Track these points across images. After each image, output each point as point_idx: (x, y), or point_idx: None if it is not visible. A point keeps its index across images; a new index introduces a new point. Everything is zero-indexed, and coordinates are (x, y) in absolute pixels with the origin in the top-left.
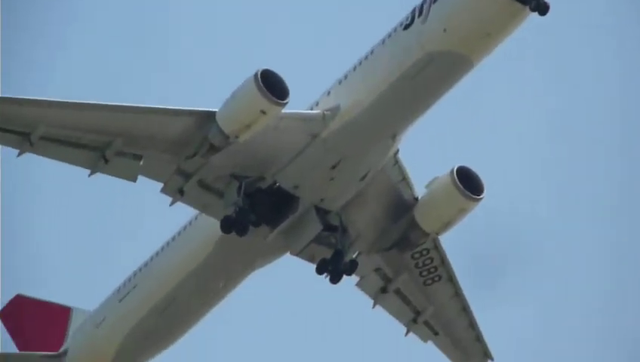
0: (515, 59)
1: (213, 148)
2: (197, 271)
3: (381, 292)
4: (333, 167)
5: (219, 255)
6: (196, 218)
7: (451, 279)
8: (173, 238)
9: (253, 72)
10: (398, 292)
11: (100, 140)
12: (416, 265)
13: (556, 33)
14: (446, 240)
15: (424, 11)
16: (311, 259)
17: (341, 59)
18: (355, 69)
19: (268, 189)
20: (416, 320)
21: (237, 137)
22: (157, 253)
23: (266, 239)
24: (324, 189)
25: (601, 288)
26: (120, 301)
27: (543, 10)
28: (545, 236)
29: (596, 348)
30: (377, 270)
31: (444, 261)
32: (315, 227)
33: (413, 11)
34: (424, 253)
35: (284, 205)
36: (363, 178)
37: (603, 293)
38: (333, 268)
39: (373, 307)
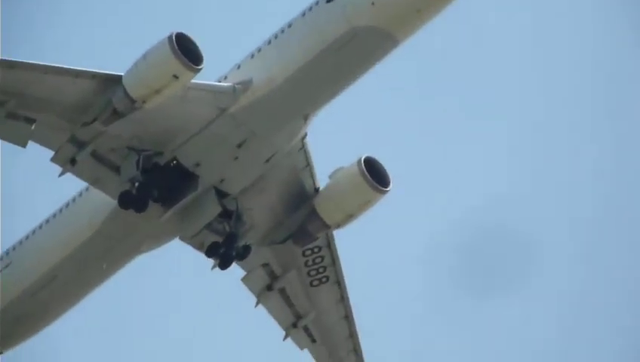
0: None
1: (116, 115)
2: (80, 249)
3: (266, 289)
4: (239, 146)
5: (105, 234)
6: (81, 194)
7: (339, 282)
8: (55, 215)
9: (167, 34)
10: (282, 291)
11: None
12: (306, 263)
13: None
14: (446, 239)
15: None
16: (200, 247)
17: (255, 32)
18: (269, 42)
19: (165, 166)
20: (296, 324)
21: (144, 102)
22: (36, 229)
23: (161, 218)
24: (226, 169)
25: (601, 288)
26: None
27: None
28: (544, 236)
29: (596, 347)
30: (265, 265)
31: (335, 261)
32: (213, 209)
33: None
34: (315, 250)
35: (182, 183)
36: (268, 160)
37: (602, 294)
38: (225, 251)
39: (256, 306)
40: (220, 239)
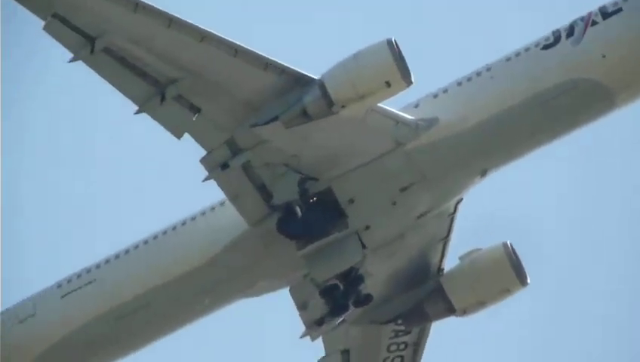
0: None
1: (304, 117)
2: (187, 276)
3: None
4: (403, 189)
5: (220, 264)
6: (204, 213)
7: None
8: (165, 232)
9: (384, 39)
10: None
11: (168, 73)
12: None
13: None
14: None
15: (576, 32)
16: (303, 306)
17: None
18: (460, 84)
19: (317, 195)
20: None
21: (343, 107)
22: (134, 246)
23: (299, 252)
24: (379, 214)
25: (601, 289)
26: (63, 296)
27: None
28: (544, 237)
29: (595, 348)
30: (344, 352)
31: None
32: (354, 256)
33: (557, 31)
34: (401, 346)
35: (329, 220)
36: (420, 216)
37: (602, 294)
38: (344, 293)
39: None
40: (323, 306)
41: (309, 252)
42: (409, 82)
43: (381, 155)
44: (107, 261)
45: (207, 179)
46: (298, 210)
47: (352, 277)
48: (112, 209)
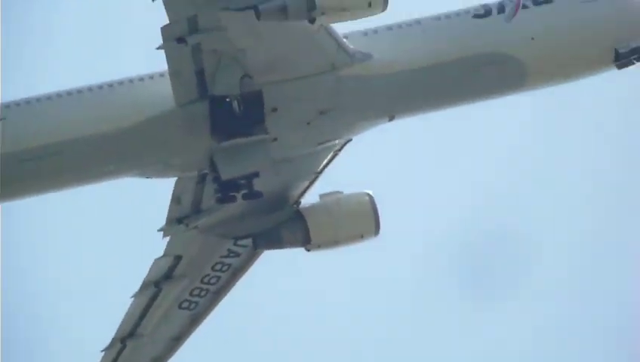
0: None
1: (282, 14)
2: (102, 137)
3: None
4: (322, 112)
5: (139, 132)
6: (142, 79)
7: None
8: (101, 87)
9: None
10: (153, 297)
11: None
12: (202, 279)
13: None
14: (446, 240)
15: (507, 10)
16: (177, 200)
17: None
18: (391, 28)
19: (245, 95)
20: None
21: (323, 14)
22: (62, 94)
23: (220, 144)
24: (291, 129)
25: (600, 290)
26: None
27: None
28: (544, 237)
29: (595, 348)
30: (176, 257)
31: (220, 291)
32: (262, 161)
33: (487, 6)
34: (224, 268)
35: (251, 121)
36: (322, 143)
37: (602, 294)
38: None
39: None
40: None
41: (225, 146)
42: (385, 7)
43: (316, 74)
44: (28, 102)
45: (160, 47)
46: (235, 104)
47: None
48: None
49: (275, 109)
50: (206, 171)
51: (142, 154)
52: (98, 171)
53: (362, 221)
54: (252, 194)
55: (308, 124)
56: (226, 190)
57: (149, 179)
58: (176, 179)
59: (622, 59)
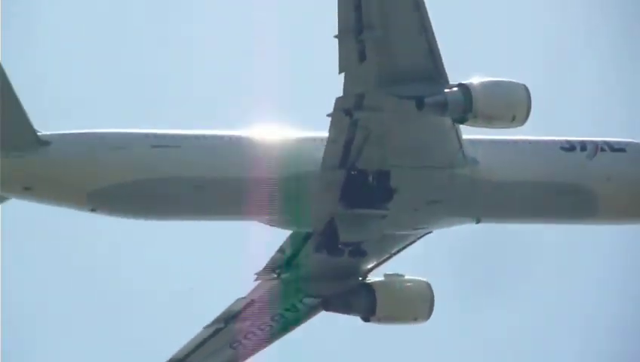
0: None
1: (441, 109)
2: (255, 181)
3: None
4: (430, 203)
5: (284, 184)
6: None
7: None
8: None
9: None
10: None
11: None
12: None
13: None
14: (446, 241)
15: (589, 150)
16: (281, 250)
17: None
18: (493, 143)
19: (377, 171)
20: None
21: (475, 117)
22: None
23: (344, 210)
24: (402, 211)
25: (600, 290)
26: (153, 147)
27: None
28: (544, 237)
29: (595, 348)
30: (250, 302)
31: None
32: (374, 234)
33: (570, 142)
34: (280, 320)
35: (383, 198)
36: (415, 229)
37: (602, 295)
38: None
39: None
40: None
41: (347, 213)
42: (524, 123)
43: (437, 167)
44: (203, 136)
45: (329, 115)
46: (370, 178)
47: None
48: None
49: (395, 190)
50: (319, 230)
51: (276, 205)
52: (233, 210)
53: (421, 307)
54: (359, 252)
55: (416, 210)
56: (336, 247)
57: (271, 227)
58: (290, 232)
59: None
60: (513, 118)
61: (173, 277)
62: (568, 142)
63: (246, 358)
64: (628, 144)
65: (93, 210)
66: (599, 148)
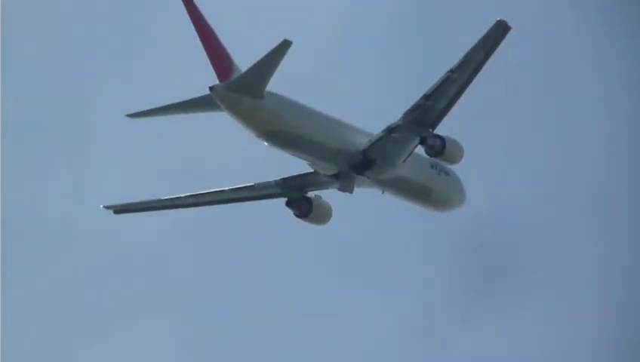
0: None
1: (430, 149)
2: (323, 145)
3: None
4: (385, 171)
5: (337, 152)
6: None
7: None
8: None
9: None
10: None
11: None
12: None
13: None
14: (446, 241)
15: (437, 168)
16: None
17: None
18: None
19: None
20: None
21: (441, 154)
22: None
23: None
24: (377, 172)
25: (600, 291)
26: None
27: None
28: (544, 238)
29: (595, 349)
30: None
31: None
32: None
33: (432, 161)
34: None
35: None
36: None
37: (602, 295)
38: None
39: None
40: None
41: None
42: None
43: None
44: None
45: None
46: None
47: None
48: None
49: (374, 162)
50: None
51: (326, 160)
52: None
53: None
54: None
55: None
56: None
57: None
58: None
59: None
60: (461, 159)
61: None
62: (430, 161)
63: None
64: (450, 170)
65: None
66: (440, 169)
